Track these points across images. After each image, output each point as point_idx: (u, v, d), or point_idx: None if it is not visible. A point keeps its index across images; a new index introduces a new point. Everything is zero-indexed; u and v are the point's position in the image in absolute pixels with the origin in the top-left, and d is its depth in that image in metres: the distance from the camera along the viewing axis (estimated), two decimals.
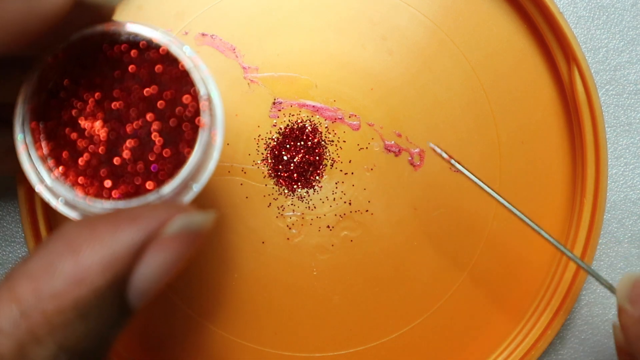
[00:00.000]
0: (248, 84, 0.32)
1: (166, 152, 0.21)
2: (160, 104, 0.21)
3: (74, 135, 0.21)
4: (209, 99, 0.21)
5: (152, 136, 0.21)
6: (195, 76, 0.21)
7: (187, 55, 0.21)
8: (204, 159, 0.21)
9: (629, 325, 0.24)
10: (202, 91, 0.21)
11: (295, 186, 0.32)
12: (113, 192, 0.21)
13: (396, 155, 0.32)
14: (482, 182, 0.28)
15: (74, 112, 0.21)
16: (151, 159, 0.21)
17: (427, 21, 0.32)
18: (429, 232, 0.32)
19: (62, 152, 0.21)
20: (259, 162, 0.32)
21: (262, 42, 0.32)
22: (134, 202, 0.21)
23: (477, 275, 0.32)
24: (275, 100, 0.32)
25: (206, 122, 0.21)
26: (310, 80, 0.32)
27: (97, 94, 0.21)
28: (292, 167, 0.32)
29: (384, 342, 0.32)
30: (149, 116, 0.21)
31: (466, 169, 0.27)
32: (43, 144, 0.21)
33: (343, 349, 0.32)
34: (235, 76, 0.32)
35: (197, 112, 0.21)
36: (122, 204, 0.21)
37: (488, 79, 0.32)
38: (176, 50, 0.21)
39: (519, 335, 0.32)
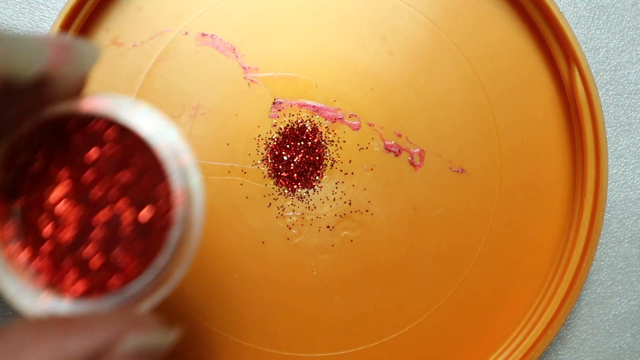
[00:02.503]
0: (248, 84, 0.32)
1: (136, 246, 0.19)
2: (133, 192, 0.19)
3: (40, 220, 0.20)
4: (186, 193, 0.19)
5: (122, 227, 0.19)
6: (173, 166, 0.19)
7: (167, 142, 0.19)
8: (175, 260, 0.19)
9: None
10: (177, 183, 0.19)
11: (295, 186, 0.32)
12: (77, 284, 0.19)
13: (396, 155, 0.32)
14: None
15: (42, 194, 0.20)
16: (119, 252, 0.19)
17: (427, 21, 0.32)
18: (429, 232, 0.32)
19: (29, 235, 0.20)
20: (259, 162, 0.32)
21: (262, 42, 0.32)
22: (95, 302, 0.19)
23: (477, 275, 0.32)
24: (275, 100, 0.32)
25: (179, 219, 0.19)
26: (310, 80, 0.32)
27: (66, 178, 0.19)
28: (292, 167, 0.32)
29: (384, 342, 0.32)
30: (120, 204, 0.19)
31: None
32: (8, 223, 0.20)
33: (343, 349, 0.32)
34: (235, 76, 0.32)
35: (172, 205, 0.19)
36: (79, 305, 0.19)
37: (488, 79, 0.32)
38: (152, 137, 0.19)
39: (519, 335, 0.32)
